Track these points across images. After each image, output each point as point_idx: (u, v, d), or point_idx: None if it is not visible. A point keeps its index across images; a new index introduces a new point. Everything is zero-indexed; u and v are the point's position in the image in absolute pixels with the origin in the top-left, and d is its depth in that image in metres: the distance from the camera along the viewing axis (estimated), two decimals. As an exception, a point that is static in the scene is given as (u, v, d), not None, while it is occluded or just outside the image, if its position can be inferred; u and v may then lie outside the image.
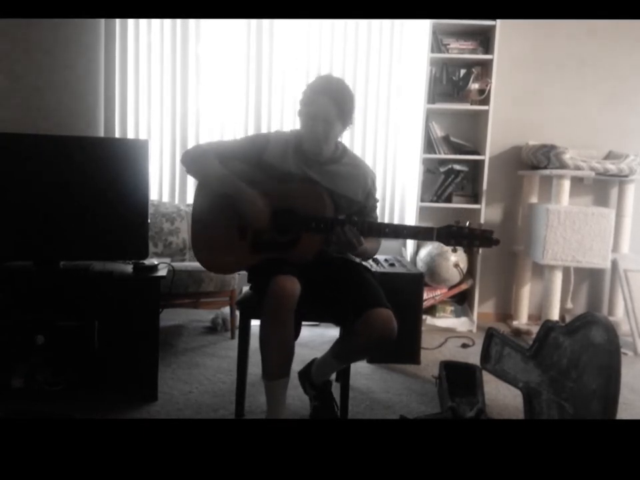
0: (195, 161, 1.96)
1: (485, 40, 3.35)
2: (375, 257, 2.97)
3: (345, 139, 3.50)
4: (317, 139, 1.87)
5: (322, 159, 1.94)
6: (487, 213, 3.44)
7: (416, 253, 3.45)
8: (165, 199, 3.51)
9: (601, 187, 3.54)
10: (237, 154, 1.95)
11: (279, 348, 1.77)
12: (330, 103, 1.84)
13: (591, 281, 3.63)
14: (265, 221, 1.86)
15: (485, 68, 3.37)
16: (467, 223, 1.76)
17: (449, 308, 3.45)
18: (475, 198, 3.42)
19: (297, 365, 2.25)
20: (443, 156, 3.38)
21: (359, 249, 1.80)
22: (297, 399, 2.22)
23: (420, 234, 1.85)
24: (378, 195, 2.10)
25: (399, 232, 1.87)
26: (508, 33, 3.32)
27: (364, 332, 1.74)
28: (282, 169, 1.91)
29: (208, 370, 2.54)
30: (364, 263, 2.07)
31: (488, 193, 3.37)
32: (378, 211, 2.04)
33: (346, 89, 1.89)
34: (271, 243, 1.88)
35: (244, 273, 2.04)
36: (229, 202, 1.88)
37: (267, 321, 1.76)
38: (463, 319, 3.42)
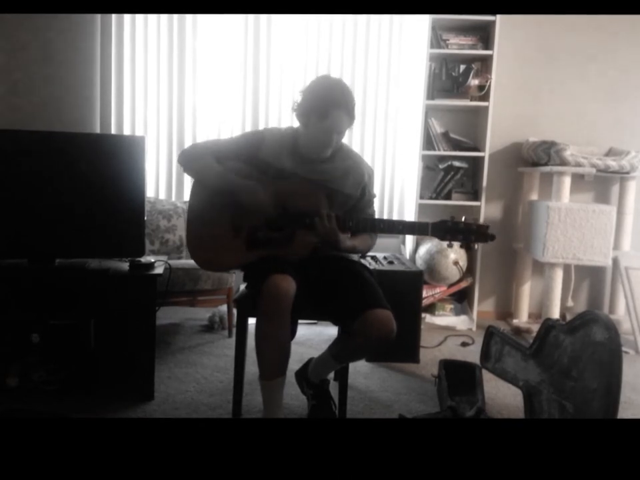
0: (192, 160, 1.95)
1: (484, 35, 3.33)
2: (374, 254, 2.98)
3: (345, 136, 3.49)
4: (326, 148, 1.87)
5: (319, 159, 1.93)
6: (487, 210, 3.42)
7: (415, 250, 3.43)
8: (162, 196, 3.49)
9: (602, 183, 3.52)
10: (233, 152, 1.94)
11: (274, 348, 1.75)
12: (345, 116, 1.82)
13: (592, 278, 3.61)
14: (268, 210, 1.84)
15: (485, 64, 3.35)
16: (463, 218, 1.77)
17: (449, 306, 3.43)
18: (475, 195, 3.40)
19: (294, 364, 2.23)
20: (442, 152, 3.35)
21: (341, 244, 1.79)
22: (294, 398, 2.20)
23: (415, 229, 1.89)
24: (376, 192, 2.07)
25: (394, 227, 1.86)
26: (508, 28, 3.30)
27: (362, 333, 1.71)
28: (277, 166, 1.90)
29: (205, 369, 2.53)
30: (362, 261, 2.05)
31: (488, 190, 3.35)
32: (377, 208, 2.03)
33: (353, 96, 1.86)
34: (266, 240, 1.86)
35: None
36: (225, 200, 1.86)
37: (262, 322, 1.74)
38: (463, 317, 3.41)
